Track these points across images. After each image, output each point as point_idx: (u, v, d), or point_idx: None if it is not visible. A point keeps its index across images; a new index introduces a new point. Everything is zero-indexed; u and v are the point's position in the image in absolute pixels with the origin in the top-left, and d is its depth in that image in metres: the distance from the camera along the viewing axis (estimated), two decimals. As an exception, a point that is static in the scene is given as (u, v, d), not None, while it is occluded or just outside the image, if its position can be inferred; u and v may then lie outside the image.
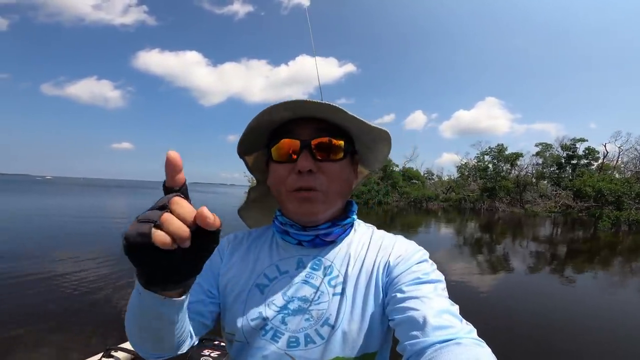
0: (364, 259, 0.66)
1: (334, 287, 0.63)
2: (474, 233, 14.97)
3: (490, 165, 34.03)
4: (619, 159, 30.20)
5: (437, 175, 42.36)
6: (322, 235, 0.66)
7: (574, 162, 32.21)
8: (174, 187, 0.40)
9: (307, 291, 0.63)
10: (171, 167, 0.39)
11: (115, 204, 23.19)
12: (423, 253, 0.66)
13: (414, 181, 37.62)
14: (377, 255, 0.66)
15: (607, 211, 20.01)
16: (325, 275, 0.65)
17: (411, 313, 0.51)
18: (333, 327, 0.59)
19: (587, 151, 31.58)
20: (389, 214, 23.15)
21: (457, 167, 38.02)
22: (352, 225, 0.71)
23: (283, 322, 0.61)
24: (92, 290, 4.83)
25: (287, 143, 0.62)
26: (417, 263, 0.62)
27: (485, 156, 34.80)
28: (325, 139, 0.62)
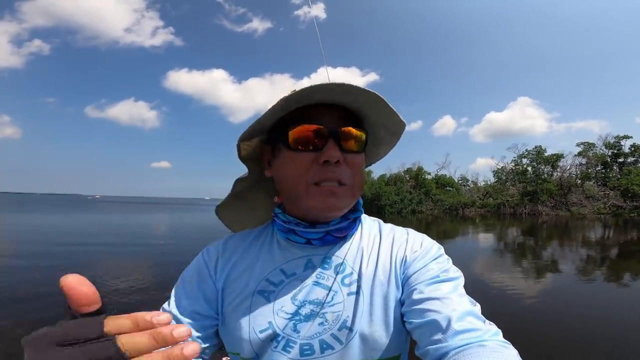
0: (378, 253, 0.62)
1: (349, 285, 0.58)
2: (517, 238, 14.63)
3: (529, 168, 32.80)
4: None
5: (472, 181, 41.29)
6: (333, 231, 0.61)
7: (621, 160, 30.38)
8: (85, 312, 0.27)
9: (319, 293, 0.58)
10: (74, 295, 0.27)
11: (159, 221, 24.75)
12: (438, 247, 0.63)
13: (448, 188, 36.94)
14: (392, 250, 0.62)
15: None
16: (337, 273, 0.60)
17: (433, 316, 0.48)
18: (351, 329, 0.54)
19: (633, 148, 29.72)
20: (423, 223, 22.96)
21: (493, 171, 36.97)
22: (360, 220, 0.67)
23: (295, 329, 0.55)
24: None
25: (313, 129, 0.55)
26: (435, 259, 0.60)
27: (523, 159, 33.63)
28: (353, 129, 0.58)
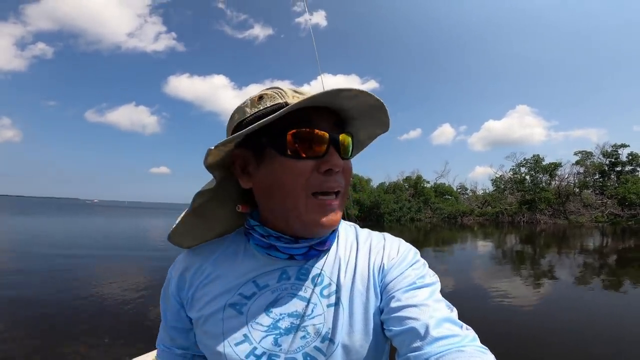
0: (356, 262, 0.61)
1: (328, 297, 0.57)
2: (515, 246, 14.67)
3: (527, 177, 32.98)
4: (670, 164, 28.37)
5: (471, 190, 41.43)
6: (316, 245, 0.58)
7: (618, 169, 30.58)
8: None
9: (297, 305, 0.56)
10: None
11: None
12: (415, 252, 0.63)
13: (447, 197, 37.04)
14: (369, 258, 0.61)
15: (659, 218, 18.84)
16: (315, 285, 0.58)
17: (411, 323, 0.48)
18: (332, 341, 0.54)
19: (630, 157, 29.95)
20: (422, 231, 22.99)
21: (491, 180, 37.12)
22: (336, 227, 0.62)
23: (276, 343, 0.54)
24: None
25: (317, 134, 0.52)
26: (411, 265, 0.59)
27: (521, 168, 33.84)
28: (348, 135, 0.57)
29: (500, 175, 36.24)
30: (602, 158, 31.68)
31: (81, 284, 6.57)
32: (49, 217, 30.67)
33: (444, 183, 38.76)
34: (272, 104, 0.56)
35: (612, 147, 31.26)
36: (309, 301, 0.56)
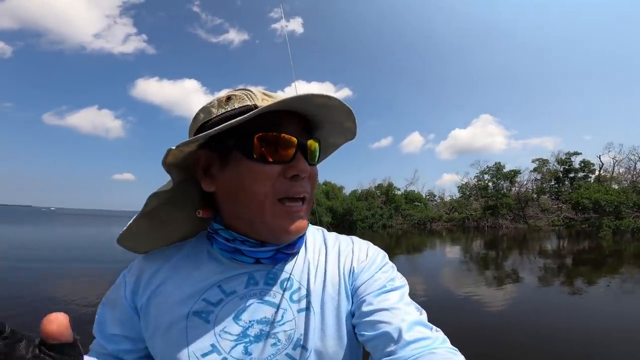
0: (326, 266, 0.60)
1: (298, 302, 0.55)
2: (481, 250, 15.30)
3: (490, 184, 34.63)
4: (615, 170, 30.94)
5: (439, 197, 42.87)
6: (283, 248, 0.57)
7: (572, 175, 32.88)
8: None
9: (267, 311, 0.54)
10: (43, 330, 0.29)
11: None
12: (383, 255, 0.63)
13: (417, 203, 38.06)
14: (339, 262, 0.60)
15: (606, 221, 20.43)
16: (284, 289, 0.56)
17: (384, 327, 0.48)
18: (305, 347, 0.52)
19: (582, 164, 32.37)
20: (394, 237, 23.44)
21: (458, 187, 38.62)
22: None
23: (246, 352, 0.51)
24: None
25: (283, 139, 0.51)
26: (381, 268, 0.59)
27: (484, 175, 35.51)
28: (316, 141, 0.56)
29: (466, 182, 37.84)
30: (557, 165, 33.92)
31: (34, 299, 6.05)
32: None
33: (414, 190, 39.85)
34: (240, 105, 0.54)
35: (565, 154, 33.61)
36: (278, 307, 0.55)
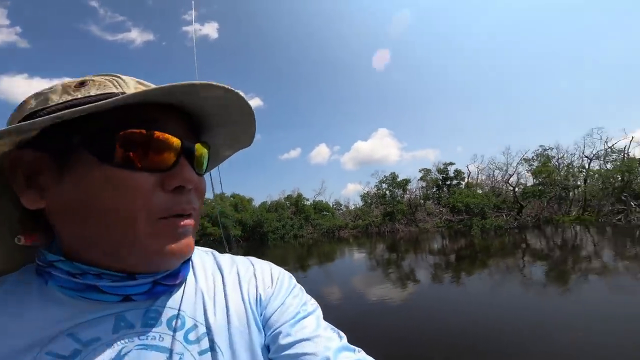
0: (226, 296, 0.50)
1: (197, 342, 0.44)
2: (384, 254, 16.98)
3: (387, 192, 38.47)
4: (479, 178, 38.04)
5: (344, 205, 45.65)
6: (163, 279, 0.44)
7: (448, 183, 39.02)
8: None
9: (156, 358, 0.40)
10: None
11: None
12: (289, 277, 0.58)
13: (325, 213, 39.80)
14: (241, 289, 0.51)
15: (475, 221, 24.88)
16: (174, 330, 0.44)
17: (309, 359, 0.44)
18: None
19: (456, 173, 38.73)
20: (305, 246, 24.08)
21: (360, 196, 41.72)
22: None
23: None
24: None
25: (163, 139, 0.40)
26: (290, 292, 0.54)
27: (382, 184, 39.27)
28: (205, 146, 0.47)
29: (367, 192, 41.15)
30: (438, 174, 39.70)
31: None
32: None
33: (322, 200, 41.63)
34: (99, 92, 0.41)
35: (443, 165, 39.52)
36: (171, 351, 0.42)
